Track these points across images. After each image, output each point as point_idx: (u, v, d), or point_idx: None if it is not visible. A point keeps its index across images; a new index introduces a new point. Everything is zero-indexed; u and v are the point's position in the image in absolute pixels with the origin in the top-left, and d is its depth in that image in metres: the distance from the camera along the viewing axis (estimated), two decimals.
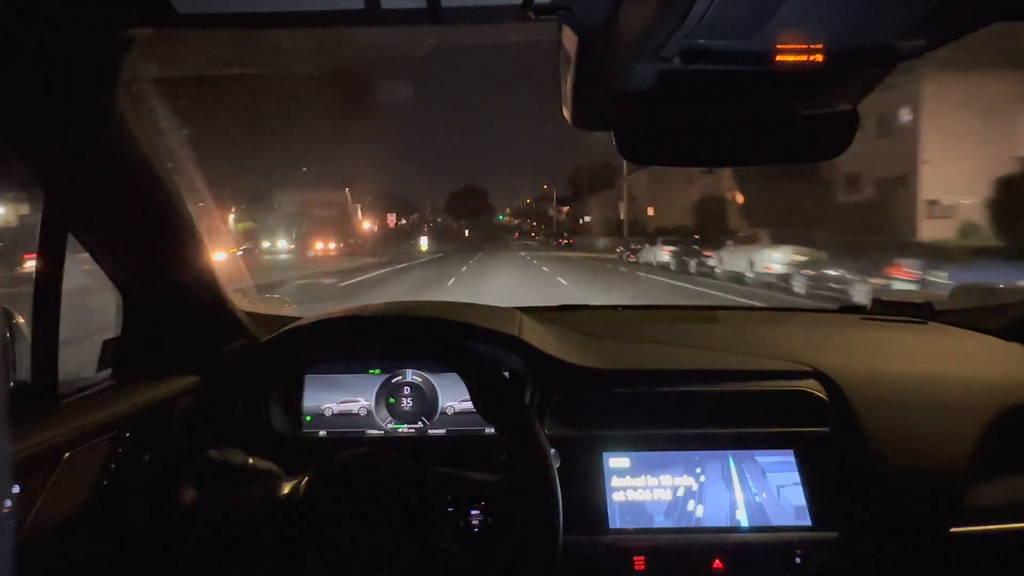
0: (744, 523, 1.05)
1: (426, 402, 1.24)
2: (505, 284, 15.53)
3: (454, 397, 1.24)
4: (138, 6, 0.79)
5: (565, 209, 78.08)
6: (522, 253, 35.18)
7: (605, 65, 0.80)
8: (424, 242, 38.22)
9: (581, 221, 58.80)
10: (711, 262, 16.40)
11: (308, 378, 1.24)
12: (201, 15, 0.79)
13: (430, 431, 1.23)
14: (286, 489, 0.90)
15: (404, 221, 75.14)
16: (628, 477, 1.08)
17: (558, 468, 0.83)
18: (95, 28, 0.84)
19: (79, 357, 1.17)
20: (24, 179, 0.97)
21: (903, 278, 9.36)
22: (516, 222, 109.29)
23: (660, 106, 0.84)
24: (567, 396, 1.16)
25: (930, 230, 16.23)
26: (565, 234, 58.01)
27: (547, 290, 14.01)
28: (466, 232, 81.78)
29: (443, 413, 1.24)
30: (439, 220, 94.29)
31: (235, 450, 0.94)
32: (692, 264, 17.48)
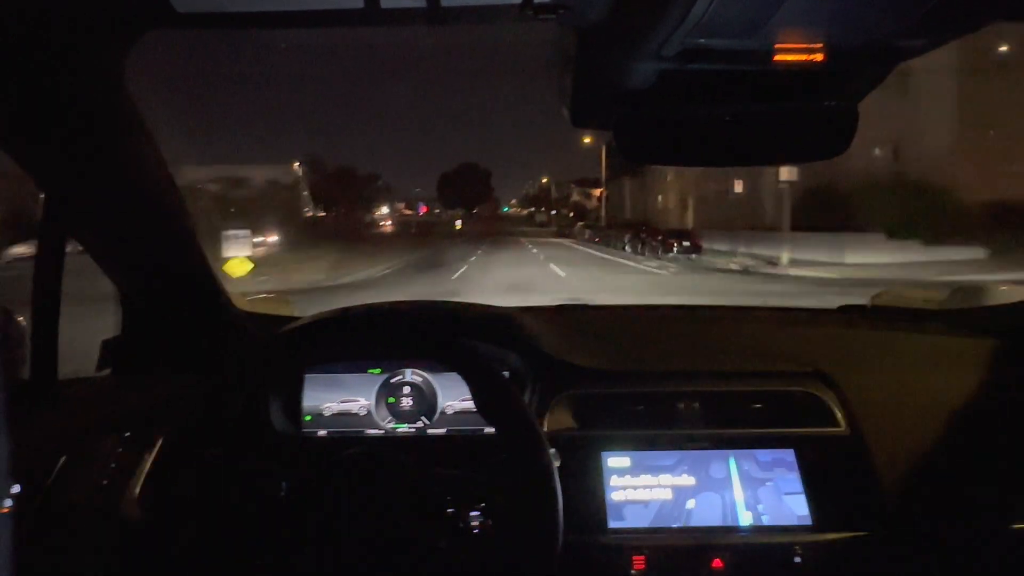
0: (744, 523, 1.05)
1: (426, 402, 1.24)
2: None
3: (454, 397, 1.24)
4: (137, 6, 0.79)
5: (597, 192, 55.10)
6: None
7: (605, 64, 0.80)
8: (234, 246, 11.32)
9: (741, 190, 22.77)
10: None
11: (308, 377, 1.24)
12: (201, 14, 0.79)
13: (430, 431, 1.23)
14: (286, 489, 0.90)
15: (385, 210, 59.37)
16: (628, 476, 1.08)
17: (557, 468, 0.83)
18: (94, 28, 0.84)
19: None
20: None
21: None
22: (526, 212, 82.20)
23: (660, 105, 0.84)
24: (567, 395, 1.16)
25: None
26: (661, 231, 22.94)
27: None
28: (457, 224, 54.63)
29: (443, 413, 1.24)
30: (436, 210, 72.21)
31: (235, 449, 0.94)
32: None
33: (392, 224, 49.52)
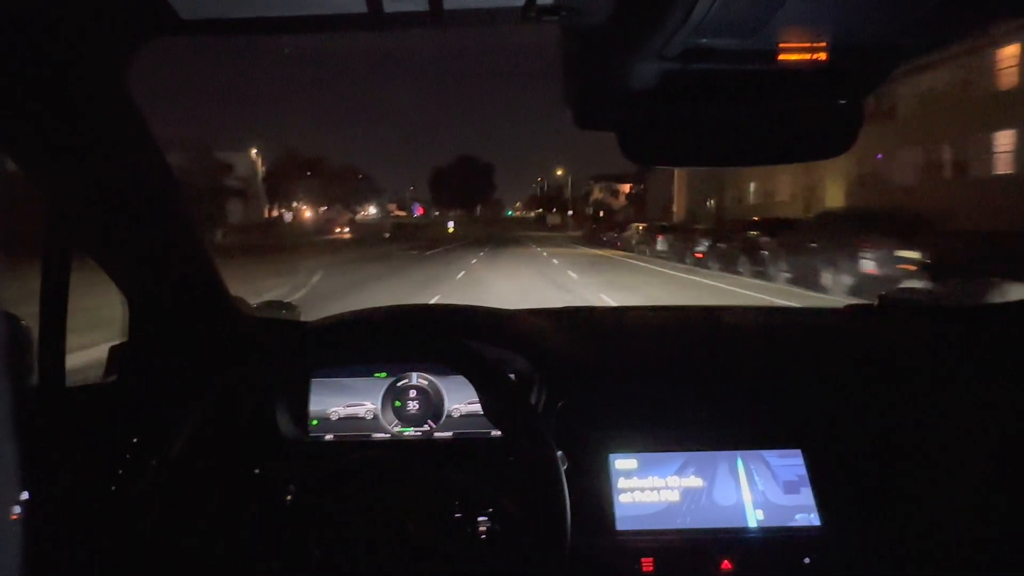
0: (753, 524, 1.04)
1: (432, 405, 1.24)
2: None
3: (460, 400, 1.24)
4: (142, 14, 0.79)
5: (626, 188, 48.03)
6: None
7: (608, 66, 0.80)
8: None
9: None
10: None
11: (314, 382, 1.25)
12: (205, 21, 0.80)
13: (436, 434, 1.23)
14: (292, 493, 0.90)
15: (372, 211, 50.60)
16: (635, 478, 1.08)
17: (565, 470, 0.83)
18: (99, 36, 0.85)
19: None
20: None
21: None
22: (533, 214, 70.59)
23: (664, 106, 0.84)
24: (573, 398, 1.16)
25: None
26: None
27: None
28: (449, 227, 47.52)
29: (449, 416, 1.24)
30: (435, 212, 61.87)
31: (242, 455, 0.94)
32: None
33: (348, 230, 38.96)
